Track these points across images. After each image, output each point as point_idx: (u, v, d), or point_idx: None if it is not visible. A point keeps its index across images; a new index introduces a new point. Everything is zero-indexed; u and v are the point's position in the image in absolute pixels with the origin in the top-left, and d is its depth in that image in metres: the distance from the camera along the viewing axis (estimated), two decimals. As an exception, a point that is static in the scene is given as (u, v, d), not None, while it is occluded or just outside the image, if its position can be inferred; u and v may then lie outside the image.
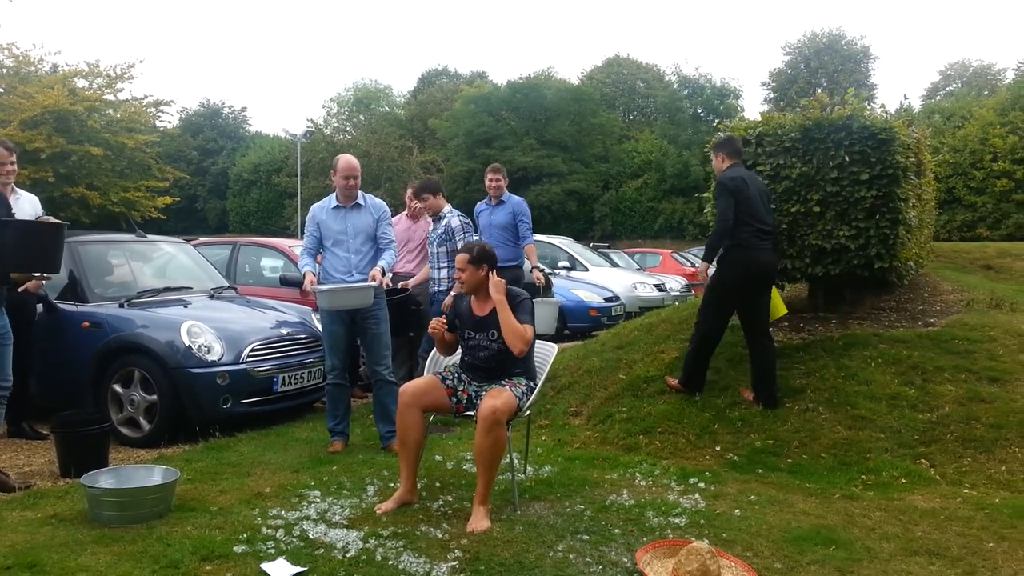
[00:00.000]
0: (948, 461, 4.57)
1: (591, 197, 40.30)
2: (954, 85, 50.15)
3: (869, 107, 5.99)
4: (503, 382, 4.04)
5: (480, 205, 7.09)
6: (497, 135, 40.70)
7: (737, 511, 3.98)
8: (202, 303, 6.20)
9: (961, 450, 4.63)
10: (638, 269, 16.88)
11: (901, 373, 5.32)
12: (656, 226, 40.33)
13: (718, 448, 4.94)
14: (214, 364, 5.38)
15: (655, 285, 14.30)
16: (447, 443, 5.30)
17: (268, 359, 5.73)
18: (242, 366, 5.51)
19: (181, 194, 37.70)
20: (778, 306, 5.69)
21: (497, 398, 3.80)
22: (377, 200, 5.30)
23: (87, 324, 5.49)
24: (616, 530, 3.73)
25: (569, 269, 13.92)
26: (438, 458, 4.86)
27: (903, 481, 4.41)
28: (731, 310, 5.44)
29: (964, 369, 5.29)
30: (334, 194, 5.21)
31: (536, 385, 4.23)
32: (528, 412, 4.24)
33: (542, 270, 6.92)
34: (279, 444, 5.21)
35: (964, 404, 4.96)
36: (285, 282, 7.91)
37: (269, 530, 3.62)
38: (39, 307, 5.59)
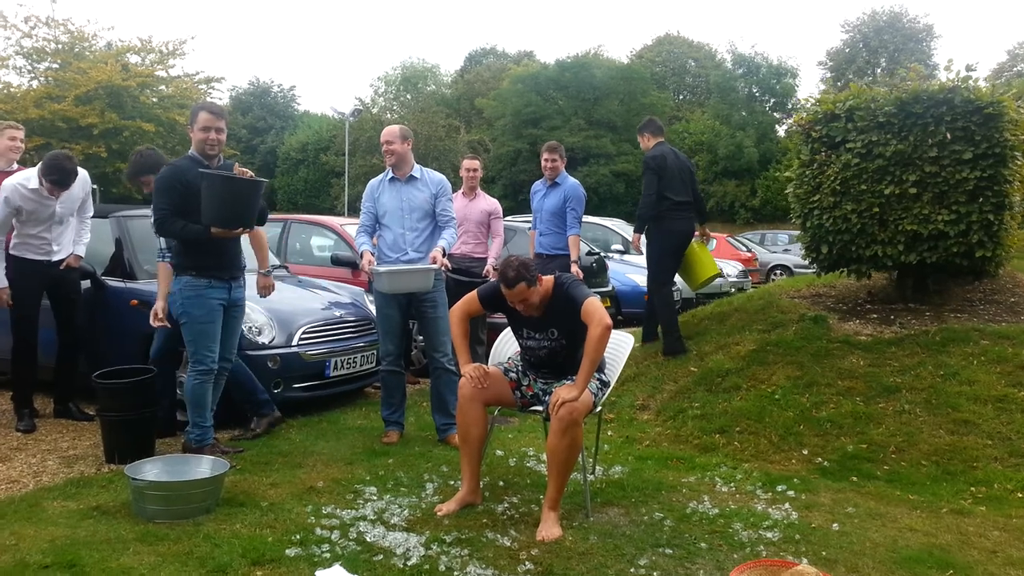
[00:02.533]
0: (1069, 474, 4.10)
1: (639, 179, 39.53)
2: (1022, 65, 48.06)
3: (974, 78, 5.44)
4: (573, 378, 3.67)
5: (536, 185, 6.73)
6: (545, 115, 40.15)
7: (835, 525, 3.58)
8: (252, 283, 5.94)
9: (1084, 461, 4.15)
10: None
11: (1008, 373, 4.83)
12: (708, 209, 39.43)
13: (805, 452, 4.52)
14: (265, 347, 5.13)
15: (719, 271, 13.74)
16: (507, 436, 4.97)
17: (320, 342, 5.46)
18: (294, 349, 5.25)
19: (230, 171, 37.93)
20: (709, 266, 6.35)
21: (572, 395, 3.43)
22: (436, 174, 4.95)
23: (136, 302, 5.26)
24: (702, 544, 3.36)
25: (622, 252, 13.48)
26: (499, 453, 4.53)
27: (1019, 495, 3.95)
28: (673, 271, 6.22)
29: (1080, 370, 4.78)
30: (390, 167, 4.89)
31: (609, 379, 3.87)
32: (600, 409, 3.88)
33: (582, 265, 6.40)
34: (331, 433, 4.94)
35: (1083, 409, 4.47)
36: (337, 261, 7.66)
37: (323, 531, 3.34)
38: (86, 284, 5.39)
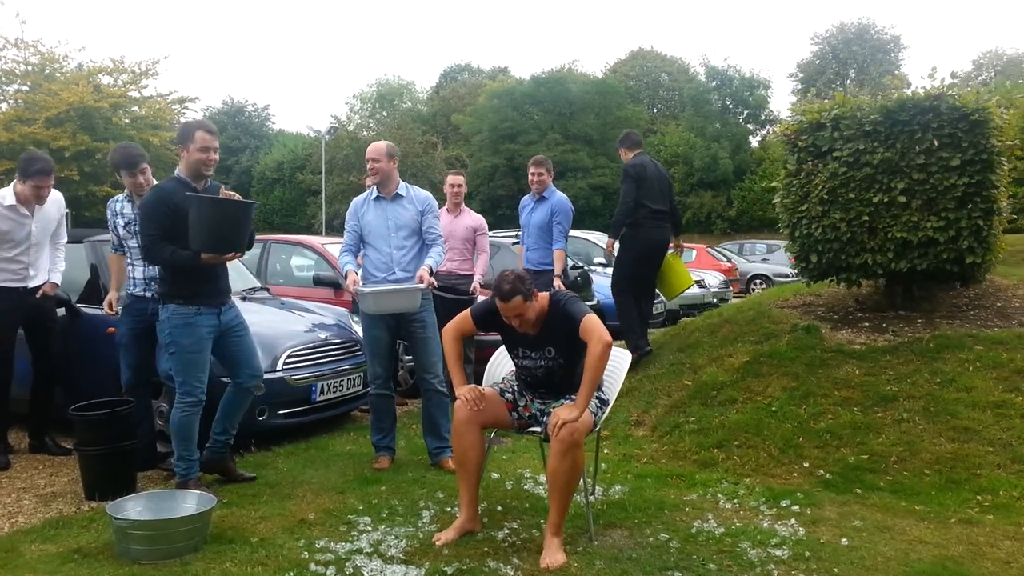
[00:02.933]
0: (1073, 480, 4.05)
1: (616, 192, 39.64)
2: (987, 75, 48.92)
3: (958, 85, 5.44)
4: (572, 397, 3.57)
5: (524, 199, 6.68)
6: (521, 130, 40.22)
7: (844, 540, 3.50)
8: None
9: (1087, 467, 4.11)
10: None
11: (1004, 378, 4.79)
12: (684, 220, 39.43)
13: (806, 464, 4.44)
14: (248, 372, 4.95)
15: (695, 282, 13.73)
16: (501, 457, 4.85)
17: (305, 366, 5.31)
18: (278, 374, 5.09)
19: (205, 193, 37.57)
20: (685, 278, 6.58)
21: (573, 416, 3.32)
22: (422, 192, 4.85)
23: (113, 330, 5.09)
24: (711, 565, 3.26)
25: (605, 266, 13.42)
26: (495, 476, 4.41)
27: (1026, 503, 3.89)
28: (639, 280, 6.39)
29: (1076, 374, 4.75)
30: (375, 185, 4.77)
31: (607, 397, 3.76)
32: (599, 428, 3.78)
33: (564, 281, 6.34)
34: (320, 460, 4.79)
35: (1082, 414, 4.43)
36: (319, 282, 7.52)
37: (318, 567, 3.20)
38: (61, 311, 5.21)
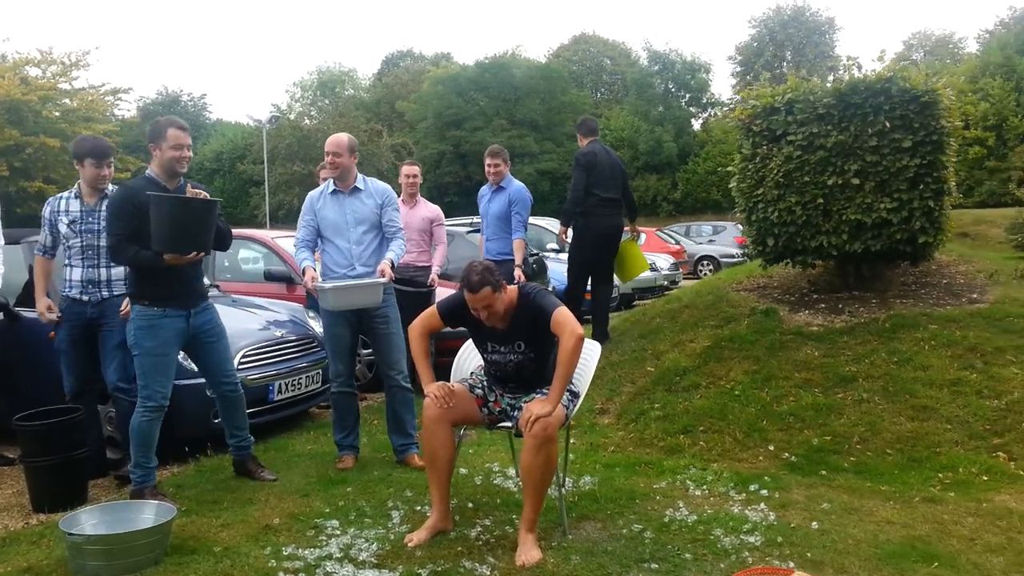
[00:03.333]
0: (1028, 453, 4.16)
1: (564, 176, 39.75)
2: (917, 55, 50.39)
3: (907, 67, 5.52)
4: (543, 391, 3.51)
5: (482, 190, 6.60)
6: (467, 116, 39.99)
7: (814, 524, 3.53)
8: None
9: (1040, 440, 4.22)
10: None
11: (959, 356, 4.90)
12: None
13: (771, 447, 4.48)
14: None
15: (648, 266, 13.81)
16: (467, 451, 4.77)
17: (261, 365, 5.15)
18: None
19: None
20: (640, 262, 6.75)
21: (546, 411, 3.27)
22: (380, 183, 4.71)
23: (54, 334, 4.85)
24: (686, 555, 3.25)
25: (557, 251, 13.41)
26: (463, 471, 4.33)
27: (984, 479, 3.98)
28: (594, 267, 6.49)
29: (1026, 349, 4.88)
30: (332, 179, 4.62)
31: (578, 390, 3.71)
32: (570, 421, 3.73)
33: (525, 270, 6.32)
34: (280, 461, 4.65)
35: (1034, 389, 4.55)
36: (270, 276, 7.32)
37: (287, 575, 3.08)
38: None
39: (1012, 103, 30.86)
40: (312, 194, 4.67)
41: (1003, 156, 29.25)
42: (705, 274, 20.54)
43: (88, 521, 3.35)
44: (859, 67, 5.82)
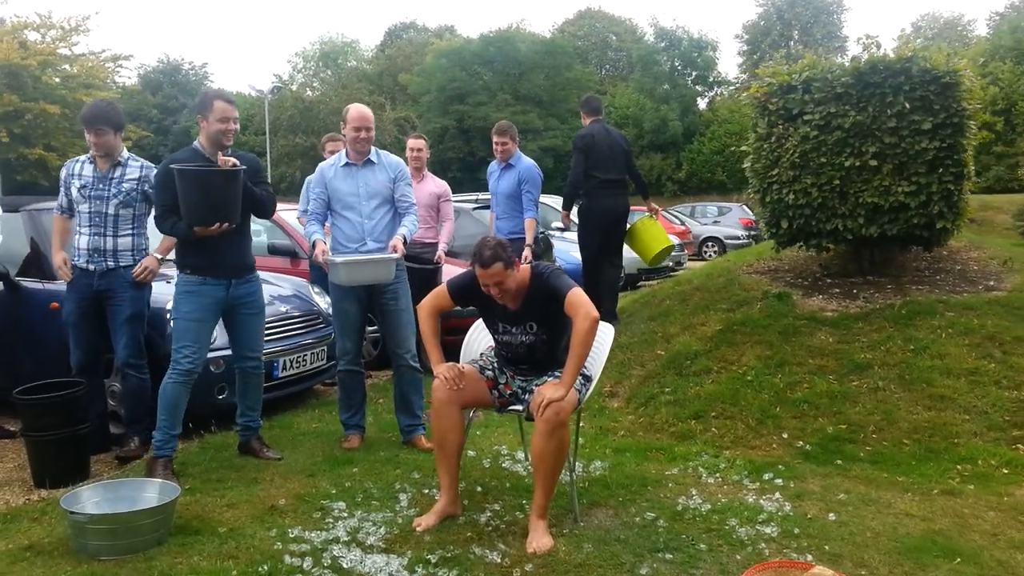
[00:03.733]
0: (1048, 446, 4.08)
1: (568, 154, 39.42)
2: (924, 37, 49.92)
3: (928, 46, 5.37)
4: (555, 373, 3.42)
5: (491, 166, 6.48)
6: (470, 90, 39.62)
7: (831, 515, 3.45)
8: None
9: (1061, 433, 4.14)
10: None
11: (977, 345, 4.82)
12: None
13: (785, 435, 4.40)
14: (205, 349, 4.69)
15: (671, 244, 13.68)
16: (475, 433, 4.69)
17: (266, 341, 5.03)
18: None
19: (143, 154, 35.75)
20: (659, 239, 6.72)
21: (559, 395, 3.18)
22: (393, 157, 4.58)
23: (56, 305, 4.75)
24: (701, 545, 3.18)
25: (562, 230, 13.28)
26: (471, 454, 4.25)
27: (1004, 472, 3.91)
28: (602, 247, 6.41)
29: (1046, 339, 4.80)
30: (344, 151, 4.50)
31: (591, 374, 3.61)
32: (582, 405, 3.65)
33: (535, 250, 6.21)
34: (286, 440, 4.57)
35: (1054, 380, 4.47)
36: (274, 251, 7.21)
37: (293, 559, 3.01)
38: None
39: (1022, 88, 30.56)
40: (323, 166, 4.55)
41: (1011, 141, 29.02)
42: (710, 255, 20.43)
43: (90, 499, 3.28)
44: (878, 46, 5.66)
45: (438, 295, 3.58)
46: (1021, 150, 30.12)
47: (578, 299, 3.25)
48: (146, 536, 3.09)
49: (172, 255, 4.56)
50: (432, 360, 3.50)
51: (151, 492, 3.36)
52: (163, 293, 4.79)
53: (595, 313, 3.23)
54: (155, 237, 4.47)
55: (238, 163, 3.89)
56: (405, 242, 4.30)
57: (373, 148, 4.47)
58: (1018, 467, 3.93)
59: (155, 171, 4.35)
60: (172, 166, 3.82)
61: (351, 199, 4.39)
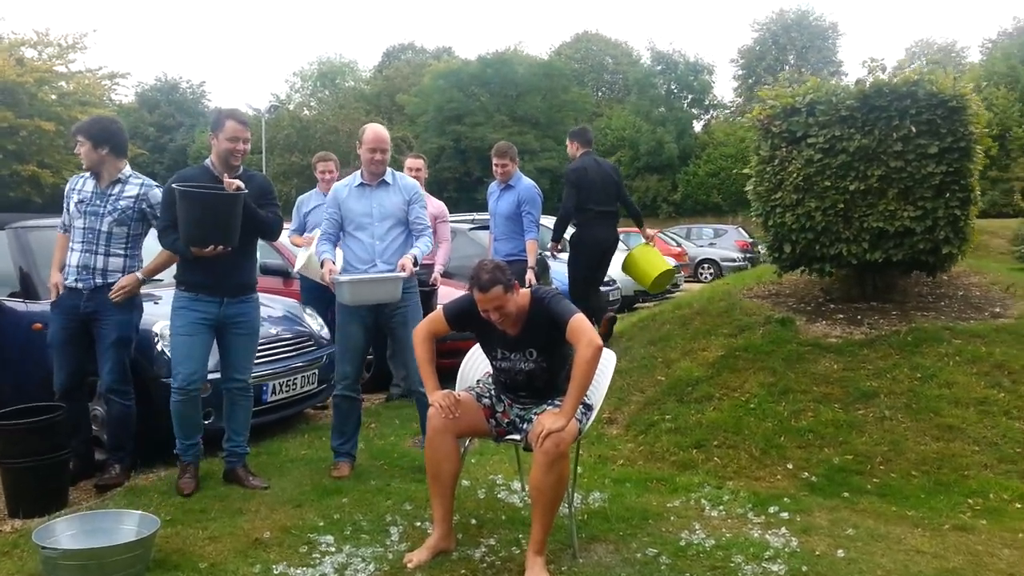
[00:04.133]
0: (1061, 480, 3.95)
1: (564, 176, 39.52)
2: (918, 62, 50.28)
3: (935, 70, 5.29)
4: (555, 402, 3.29)
5: (491, 187, 6.41)
6: (468, 111, 39.73)
7: (840, 552, 3.31)
8: (174, 298, 5.34)
9: (1074, 466, 4.01)
10: (626, 250, 16.12)
11: (985, 373, 4.69)
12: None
13: (790, 466, 4.26)
14: (192, 372, 4.55)
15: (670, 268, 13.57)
16: (469, 461, 4.54)
17: (255, 363, 4.89)
18: (227, 374, 4.68)
19: (139, 172, 36.26)
20: (658, 263, 6.80)
21: (559, 425, 3.04)
22: (408, 179, 4.53)
23: (39, 326, 4.61)
24: (706, 584, 3.03)
25: (560, 251, 13.18)
26: (465, 483, 4.10)
27: (1017, 506, 3.77)
28: (590, 277, 6.47)
29: (1056, 368, 4.67)
30: (359, 171, 4.43)
31: (592, 403, 3.48)
32: (583, 436, 3.51)
33: (538, 272, 6.13)
34: (273, 467, 4.41)
35: (1065, 410, 4.34)
36: (265, 270, 7.05)
37: (277, 597, 2.86)
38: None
39: (1016, 113, 30.74)
40: (337, 186, 4.50)
41: (1005, 167, 29.14)
42: (706, 277, 20.33)
43: (64, 532, 3.12)
44: (883, 69, 5.59)
45: (434, 320, 3.46)
46: (1015, 175, 30.26)
47: (581, 326, 3.12)
48: (122, 572, 2.93)
49: (159, 275, 4.47)
50: (427, 387, 3.37)
51: (129, 524, 3.20)
52: (151, 314, 4.67)
53: (598, 341, 3.11)
54: (148, 259, 4.36)
55: (243, 186, 3.88)
56: (416, 263, 4.21)
57: (389, 170, 4.43)
58: (1031, 502, 3.79)
59: (154, 189, 4.33)
60: (174, 185, 3.81)
61: (364, 220, 4.33)
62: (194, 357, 3.98)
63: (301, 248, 5.82)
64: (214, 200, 3.81)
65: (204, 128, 46.67)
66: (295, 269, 5.56)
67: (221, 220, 3.82)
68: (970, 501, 3.83)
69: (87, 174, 4.30)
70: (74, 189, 4.28)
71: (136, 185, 4.28)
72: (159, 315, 4.78)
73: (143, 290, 5.00)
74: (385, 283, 4.14)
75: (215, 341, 4.12)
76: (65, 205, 4.31)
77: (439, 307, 3.50)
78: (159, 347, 4.52)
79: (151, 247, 4.36)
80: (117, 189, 4.23)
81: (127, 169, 4.31)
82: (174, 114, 48.31)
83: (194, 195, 3.79)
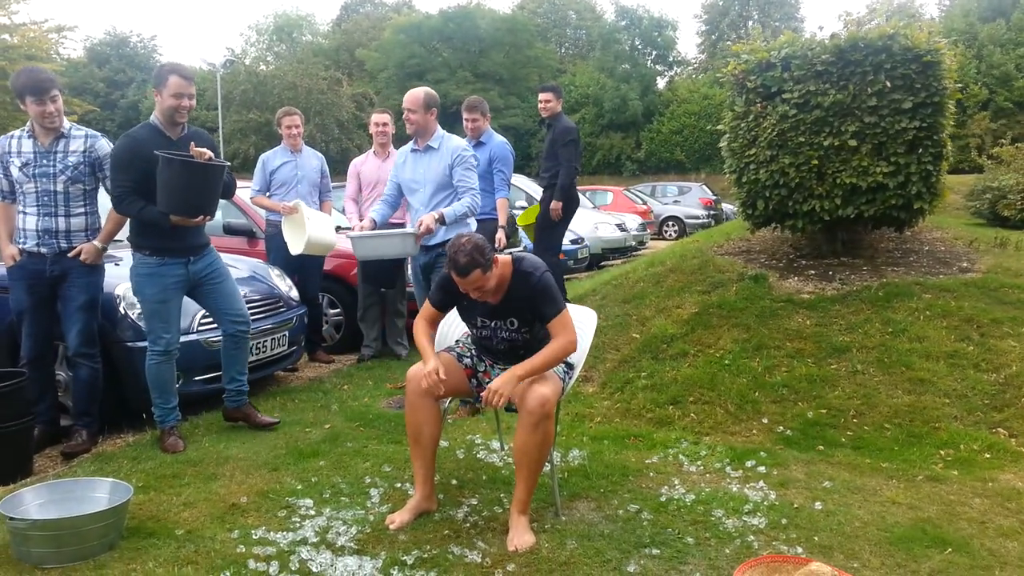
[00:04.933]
0: (1028, 430, 4.04)
1: (528, 133, 39.22)
2: (878, 20, 50.47)
3: (910, 23, 5.27)
4: None
5: None
6: (430, 67, 39.07)
7: (818, 504, 3.35)
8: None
9: (1040, 416, 4.10)
10: (593, 208, 16.13)
11: (955, 327, 4.76)
12: (594, 162, 39.68)
13: (765, 420, 4.29)
14: (159, 335, 4.42)
15: (616, 225, 13.63)
16: (447, 421, 4.50)
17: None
18: (193, 336, 4.55)
19: (89, 129, 35.07)
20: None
21: (545, 385, 3.00)
22: (453, 141, 4.47)
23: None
24: (688, 539, 3.04)
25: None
26: (444, 444, 4.05)
27: (987, 456, 3.85)
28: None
29: (1023, 322, 4.76)
30: (414, 136, 4.53)
31: (573, 362, 3.43)
32: (566, 395, 3.47)
33: (507, 231, 6.02)
34: (246, 431, 4.32)
35: (1032, 362, 4.43)
36: (230, 230, 6.89)
37: (258, 563, 2.80)
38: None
39: (973, 70, 31.14)
40: (402, 149, 4.64)
41: (962, 123, 29.56)
42: (671, 235, 20.44)
43: (33, 501, 3.02)
44: (859, 24, 5.55)
45: (427, 312, 3.32)
46: (972, 132, 30.77)
47: (563, 322, 3.08)
48: (95, 542, 2.84)
49: (119, 236, 4.30)
50: (424, 358, 3.21)
51: (101, 492, 3.11)
52: (113, 276, 4.52)
53: (575, 339, 3.10)
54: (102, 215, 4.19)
55: (214, 156, 3.80)
56: (445, 221, 4.25)
57: (439, 133, 4.44)
58: (1000, 451, 3.88)
59: (100, 140, 4.13)
60: (160, 153, 3.66)
61: (413, 185, 4.47)
62: (171, 322, 3.99)
63: (284, 222, 5.60)
64: (204, 170, 3.73)
65: (157, 84, 45.40)
66: (294, 252, 5.36)
67: (209, 191, 3.80)
68: (942, 452, 3.90)
69: (19, 133, 4.06)
70: (10, 152, 4.00)
71: (80, 139, 4.08)
72: (122, 277, 4.63)
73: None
74: (391, 239, 4.22)
75: (193, 298, 4.16)
76: (1, 171, 4.04)
77: (427, 298, 3.37)
78: (122, 310, 4.37)
79: (104, 202, 4.20)
80: (62, 145, 4.02)
81: (66, 120, 4.10)
82: (125, 69, 46.70)
83: (191, 166, 3.68)
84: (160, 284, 3.93)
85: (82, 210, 4.08)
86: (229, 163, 3.87)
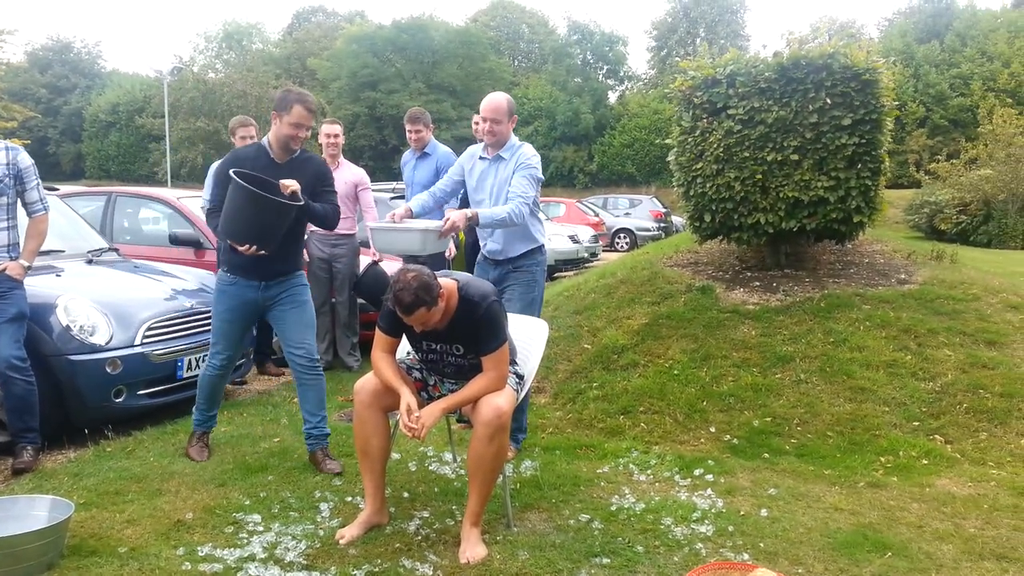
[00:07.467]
0: (963, 436, 4.19)
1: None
2: (822, 39, 51.91)
3: (849, 43, 5.45)
4: None
5: (405, 155, 6.21)
6: (383, 77, 38.95)
7: (763, 511, 3.43)
8: (78, 270, 5.04)
9: (974, 423, 4.26)
10: (546, 219, 16.22)
11: (893, 337, 4.92)
12: (547, 174, 39.81)
13: (712, 429, 4.37)
14: (101, 348, 4.31)
15: (569, 236, 13.74)
16: (399, 434, 4.48)
17: (168, 338, 4.69)
18: (137, 349, 4.46)
19: (30, 136, 33.88)
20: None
21: (500, 396, 3.01)
22: (524, 149, 4.03)
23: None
24: (638, 547, 3.09)
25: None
26: (395, 456, 4.04)
27: (924, 463, 3.98)
28: None
29: (957, 332, 4.94)
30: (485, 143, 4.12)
31: (523, 372, 3.45)
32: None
33: (457, 243, 5.99)
34: (192, 445, 4.24)
35: (967, 371, 4.60)
36: (176, 241, 6.74)
37: (204, 580, 2.75)
38: None
39: (911, 89, 32.24)
40: (471, 148, 4.24)
41: (901, 140, 30.58)
42: (622, 247, 20.67)
43: (-33, 521, 2.92)
44: (801, 43, 5.72)
45: (381, 340, 3.24)
46: (910, 148, 31.83)
47: (498, 359, 3.06)
48: (33, 561, 2.76)
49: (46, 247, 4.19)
50: (400, 395, 3.12)
51: (40, 510, 3.02)
52: (54, 287, 4.41)
53: (505, 375, 3.11)
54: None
55: (299, 191, 3.67)
56: (478, 221, 3.81)
57: (512, 141, 4.02)
58: (936, 458, 4.01)
59: (21, 152, 4.01)
60: (232, 172, 3.58)
61: (478, 196, 4.08)
62: (232, 341, 4.00)
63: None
64: (264, 204, 3.57)
65: (100, 91, 44.35)
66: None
67: (265, 226, 3.64)
68: (882, 459, 4.02)
69: None
70: None
71: (1, 151, 3.95)
72: (64, 288, 4.52)
73: (45, 261, 4.74)
74: (410, 233, 3.86)
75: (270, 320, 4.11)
76: None
77: (376, 327, 3.32)
78: (64, 322, 4.26)
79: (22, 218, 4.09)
80: (9, 158, 3.91)
81: None
82: (68, 75, 45.60)
83: (246, 192, 3.55)
84: (228, 303, 3.93)
85: (4, 225, 3.96)
86: (301, 202, 3.66)
